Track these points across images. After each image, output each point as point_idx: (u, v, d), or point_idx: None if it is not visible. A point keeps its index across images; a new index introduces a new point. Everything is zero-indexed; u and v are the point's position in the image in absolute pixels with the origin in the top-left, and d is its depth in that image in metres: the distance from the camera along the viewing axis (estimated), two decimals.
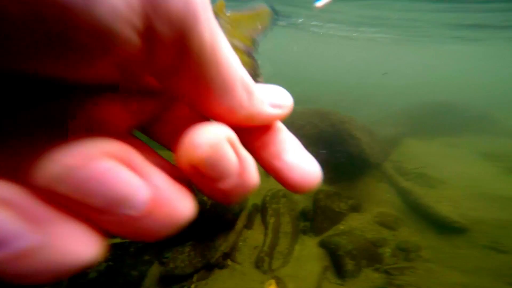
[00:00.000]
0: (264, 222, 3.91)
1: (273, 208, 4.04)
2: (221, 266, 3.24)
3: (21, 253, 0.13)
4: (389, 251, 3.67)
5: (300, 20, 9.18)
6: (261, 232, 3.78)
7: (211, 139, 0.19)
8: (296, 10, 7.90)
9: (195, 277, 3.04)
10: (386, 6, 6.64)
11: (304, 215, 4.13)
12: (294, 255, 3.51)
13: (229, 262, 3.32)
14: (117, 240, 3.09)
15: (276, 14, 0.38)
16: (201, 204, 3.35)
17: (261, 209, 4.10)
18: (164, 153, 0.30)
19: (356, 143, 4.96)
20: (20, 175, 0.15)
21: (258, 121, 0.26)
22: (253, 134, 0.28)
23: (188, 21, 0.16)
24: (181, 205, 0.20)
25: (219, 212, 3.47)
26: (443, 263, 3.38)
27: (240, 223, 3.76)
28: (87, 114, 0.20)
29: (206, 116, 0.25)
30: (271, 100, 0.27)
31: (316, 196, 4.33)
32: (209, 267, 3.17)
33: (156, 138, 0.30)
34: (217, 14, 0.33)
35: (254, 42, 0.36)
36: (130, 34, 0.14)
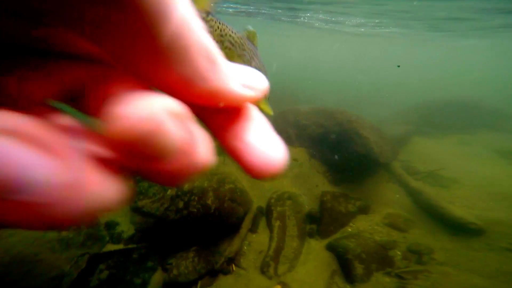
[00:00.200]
0: (269, 226, 3.82)
1: (278, 211, 3.95)
2: (225, 271, 3.17)
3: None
4: (400, 254, 3.53)
5: (306, 15, 9.03)
6: (266, 236, 3.69)
7: (144, 110, 0.16)
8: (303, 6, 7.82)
9: (199, 284, 2.97)
10: (392, 1, 6.48)
11: (310, 218, 4.03)
12: (300, 260, 3.42)
13: (233, 267, 3.25)
14: (120, 247, 3.06)
15: None
16: (204, 208, 3.29)
17: (266, 212, 4.02)
18: None
19: (364, 142, 4.82)
20: None
21: (224, 99, 0.23)
22: (218, 113, 0.26)
23: None
24: (102, 189, 0.17)
25: (223, 216, 3.41)
26: (460, 266, 3.21)
27: (245, 227, 3.69)
28: None
29: (157, 89, 0.22)
30: (243, 80, 0.25)
31: (322, 197, 4.22)
32: (213, 273, 3.11)
33: (90, 113, 0.27)
34: None
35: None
36: None
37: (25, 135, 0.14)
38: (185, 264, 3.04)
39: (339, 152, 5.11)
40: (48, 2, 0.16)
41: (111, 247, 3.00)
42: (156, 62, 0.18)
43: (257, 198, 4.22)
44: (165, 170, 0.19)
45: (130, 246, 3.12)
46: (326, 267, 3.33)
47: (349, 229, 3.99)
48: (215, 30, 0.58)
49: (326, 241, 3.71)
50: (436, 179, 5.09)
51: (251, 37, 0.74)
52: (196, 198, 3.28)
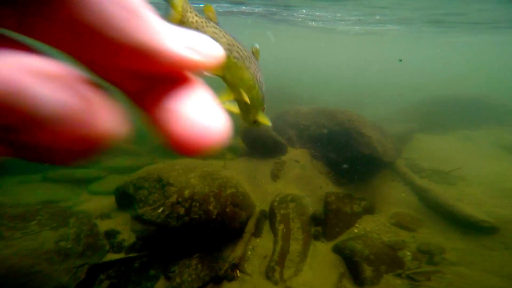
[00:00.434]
0: (273, 229, 3.73)
1: (282, 214, 3.86)
2: (230, 278, 3.08)
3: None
4: (409, 254, 3.41)
5: (301, 15, 8.99)
6: (270, 240, 3.60)
7: None
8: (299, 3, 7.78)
9: None
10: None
11: (315, 220, 3.93)
12: (306, 263, 3.32)
13: (238, 273, 3.16)
14: (121, 256, 2.98)
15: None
16: (206, 214, 3.21)
17: (269, 216, 3.93)
18: None
19: (366, 141, 4.74)
20: None
21: (160, 59, 0.21)
22: (156, 84, 0.24)
23: None
24: None
25: (226, 221, 3.33)
26: (474, 266, 3.08)
27: (248, 231, 3.60)
28: None
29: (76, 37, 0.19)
30: (187, 42, 0.23)
31: (326, 198, 4.13)
32: (218, 280, 3.02)
33: None
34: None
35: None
36: None
37: None
38: (189, 272, 2.95)
39: (340, 152, 5.03)
40: None
41: (111, 256, 2.92)
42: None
43: (260, 201, 4.14)
44: (45, 143, 0.17)
45: (131, 254, 3.05)
46: (334, 270, 3.23)
47: (356, 230, 3.88)
48: (221, 38, 0.59)
49: (332, 243, 3.61)
50: (442, 177, 4.98)
51: (255, 54, 0.75)
52: (197, 204, 3.21)
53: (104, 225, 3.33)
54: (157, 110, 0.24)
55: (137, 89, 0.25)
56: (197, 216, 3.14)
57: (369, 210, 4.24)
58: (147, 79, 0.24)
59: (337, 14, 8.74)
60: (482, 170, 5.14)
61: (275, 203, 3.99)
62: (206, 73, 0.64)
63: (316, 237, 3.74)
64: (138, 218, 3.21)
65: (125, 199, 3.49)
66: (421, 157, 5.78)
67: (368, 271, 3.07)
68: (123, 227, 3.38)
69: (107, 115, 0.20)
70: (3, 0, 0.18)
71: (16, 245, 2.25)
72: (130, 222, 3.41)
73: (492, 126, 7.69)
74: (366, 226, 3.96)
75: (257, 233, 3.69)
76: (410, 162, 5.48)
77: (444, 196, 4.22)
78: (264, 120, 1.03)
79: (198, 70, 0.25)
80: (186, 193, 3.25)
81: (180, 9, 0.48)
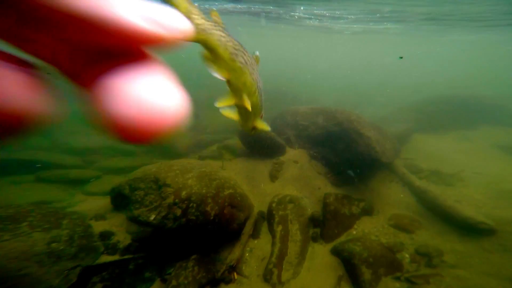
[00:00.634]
0: (271, 231, 3.68)
1: (280, 215, 3.81)
2: (227, 280, 3.02)
3: None
4: (408, 257, 3.38)
5: (297, 14, 8.94)
6: (268, 242, 3.55)
7: None
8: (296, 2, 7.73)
9: None
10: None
11: (313, 221, 3.89)
12: (305, 265, 3.27)
13: (235, 275, 3.10)
14: (115, 258, 2.90)
15: None
16: (203, 216, 3.16)
17: (267, 217, 3.88)
18: None
19: (365, 141, 4.71)
20: None
21: (107, 27, 0.18)
22: (94, 55, 0.21)
23: None
24: None
25: (223, 222, 3.27)
26: (474, 269, 3.05)
27: (246, 232, 3.55)
28: None
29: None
30: (146, 12, 0.20)
31: (325, 200, 4.09)
32: (215, 283, 2.96)
33: None
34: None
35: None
36: None
37: None
38: (185, 274, 2.89)
39: (339, 153, 4.99)
40: None
41: (106, 258, 2.85)
42: None
43: (258, 202, 4.09)
44: None
45: (126, 256, 2.98)
46: (332, 272, 3.19)
47: (354, 232, 3.85)
48: (228, 42, 0.59)
49: (330, 245, 3.57)
50: (440, 177, 4.97)
51: (256, 61, 0.77)
52: (194, 205, 3.15)
53: (98, 226, 3.25)
54: (98, 88, 0.21)
55: (76, 66, 0.21)
56: (194, 218, 3.08)
57: (368, 211, 4.21)
58: (90, 53, 0.21)
59: (336, 12, 8.72)
60: (481, 171, 5.14)
61: (274, 204, 3.94)
62: (214, 75, 0.62)
63: (315, 239, 3.70)
64: (133, 219, 3.14)
65: (120, 200, 3.42)
66: (419, 157, 5.77)
67: (366, 274, 3.04)
68: (118, 228, 3.30)
69: (24, 93, 0.18)
70: None
71: (4, 247, 2.17)
72: (126, 224, 3.34)
73: (488, 127, 7.71)
74: (364, 227, 3.93)
75: (255, 234, 3.64)
76: (409, 163, 5.46)
77: (443, 197, 4.20)
78: (263, 126, 1.03)
79: (159, 44, 0.21)
80: (183, 194, 3.19)
81: (184, 10, 0.48)
